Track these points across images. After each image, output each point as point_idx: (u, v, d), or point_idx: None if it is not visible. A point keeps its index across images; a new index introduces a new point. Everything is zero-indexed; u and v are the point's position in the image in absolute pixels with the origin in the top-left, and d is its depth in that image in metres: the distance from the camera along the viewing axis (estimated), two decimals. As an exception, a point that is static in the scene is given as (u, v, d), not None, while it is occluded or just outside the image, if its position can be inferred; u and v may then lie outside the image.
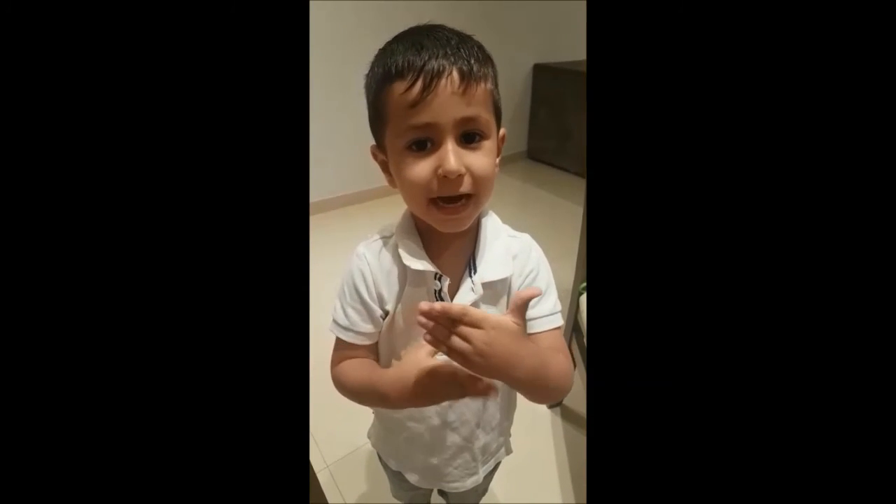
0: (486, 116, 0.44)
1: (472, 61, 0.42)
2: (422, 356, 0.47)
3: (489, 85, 0.44)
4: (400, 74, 0.42)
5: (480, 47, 0.45)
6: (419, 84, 0.41)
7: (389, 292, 0.52)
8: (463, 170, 0.43)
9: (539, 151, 3.18)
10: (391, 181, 0.49)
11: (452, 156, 0.42)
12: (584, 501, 1.06)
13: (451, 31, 0.44)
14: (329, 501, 0.99)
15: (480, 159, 0.44)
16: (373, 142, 0.50)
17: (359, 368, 0.53)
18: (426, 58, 0.41)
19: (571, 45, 3.05)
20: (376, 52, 0.47)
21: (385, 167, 0.49)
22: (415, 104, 0.41)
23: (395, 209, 0.51)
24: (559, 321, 0.53)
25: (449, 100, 0.41)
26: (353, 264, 0.53)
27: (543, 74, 2.99)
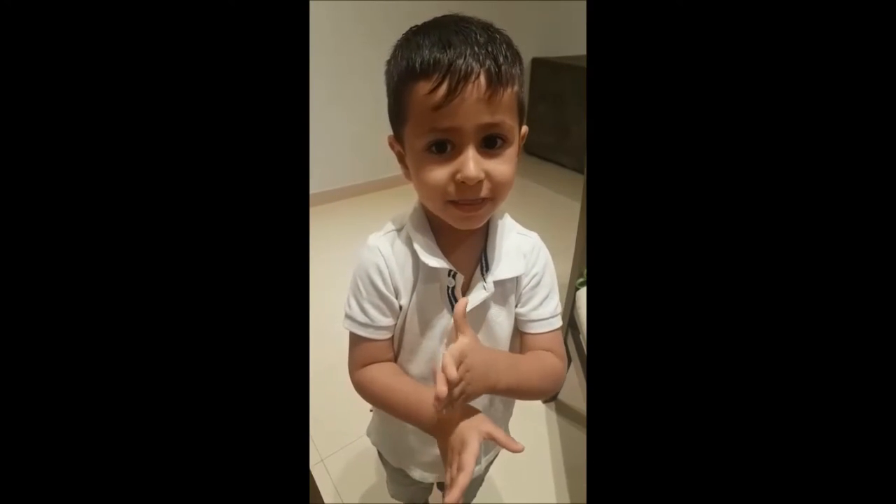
0: (510, 122, 0.43)
1: (501, 62, 0.40)
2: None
3: (515, 87, 0.43)
4: (424, 73, 0.40)
5: (509, 44, 0.43)
6: (444, 87, 0.39)
7: (404, 285, 0.51)
8: (482, 176, 0.42)
9: (536, 146, 3.17)
10: (407, 173, 0.48)
11: (472, 163, 0.41)
12: (578, 494, 1.06)
13: (480, 24, 0.42)
14: (323, 495, 0.99)
15: (500, 166, 0.44)
16: (388, 131, 0.49)
17: (392, 377, 0.53)
18: (453, 57, 0.39)
19: (570, 40, 3.04)
20: (390, 38, 0.45)
21: (402, 158, 0.48)
22: (438, 107, 0.40)
23: (401, 200, 0.51)
24: (558, 323, 0.55)
25: (474, 105, 0.40)
26: (366, 257, 0.51)
27: (542, 69, 2.98)
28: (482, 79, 0.39)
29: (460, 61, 0.39)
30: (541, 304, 0.54)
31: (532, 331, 0.54)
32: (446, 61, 0.39)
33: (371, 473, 1.11)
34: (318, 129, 2.30)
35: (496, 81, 0.40)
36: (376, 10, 2.30)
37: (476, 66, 0.39)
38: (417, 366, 0.54)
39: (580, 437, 1.21)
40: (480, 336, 0.53)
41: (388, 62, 0.45)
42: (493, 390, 0.46)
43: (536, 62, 3.01)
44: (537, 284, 0.54)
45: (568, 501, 1.06)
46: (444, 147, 0.42)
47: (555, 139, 3.01)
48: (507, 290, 0.53)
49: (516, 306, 0.54)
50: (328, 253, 1.90)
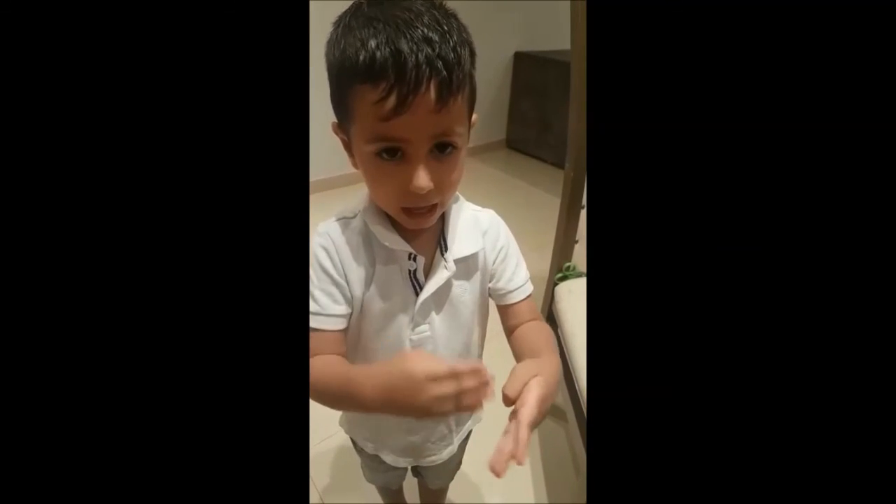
0: (460, 129, 0.42)
1: (453, 66, 0.37)
2: (415, 364, 0.38)
3: (466, 89, 0.41)
4: (370, 78, 0.36)
5: (460, 30, 0.39)
6: (392, 99, 0.36)
7: (356, 273, 0.50)
8: (432, 185, 0.41)
9: (518, 141, 3.18)
10: (354, 163, 0.47)
11: (423, 174, 0.40)
12: (556, 487, 1.08)
13: (429, 13, 0.38)
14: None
15: (449, 174, 0.43)
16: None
17: (331, 365, 0.47)
18: (401, 63, 0.35)
19: (553, 35, 3.04)
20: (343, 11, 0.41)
21: (347, 146, 0.47)
22: (387, 119, 0.37)
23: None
24: (531, 288, 0.57)
25: (423, 118, 0.38)
26: (315, 243, 0.50)
27: (524, 63, 2.98)
28: (432, 91, 0.37)
29: (409, 68, 0.35)
30: (514, 273, 0.56)
31: (513, 301, 0.56)
32: (393, 67, 0.36)
33: (348, 468, 1.11)
34: (318, 116, 2.26)
35: (447, 93, 0.37)
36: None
37: (426, 74, 0.36)
38: (385, 355, 0.52)
39: (557, 429, 1.23)
40: (444, 315, 0.54)
41: (329, 42, 0.41)
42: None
43: (519, 56, 3.01)
44: (506, 257, 0.55)
45: (545, 494, 1.07)
46: (394, 153, 0.41)
47: (537, 134, 3.02)
48: (470, 267, 0.54)
49: (490, 282, 0.56)
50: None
